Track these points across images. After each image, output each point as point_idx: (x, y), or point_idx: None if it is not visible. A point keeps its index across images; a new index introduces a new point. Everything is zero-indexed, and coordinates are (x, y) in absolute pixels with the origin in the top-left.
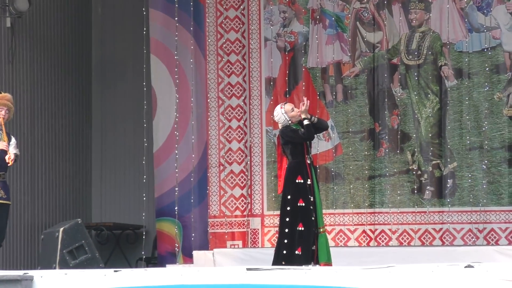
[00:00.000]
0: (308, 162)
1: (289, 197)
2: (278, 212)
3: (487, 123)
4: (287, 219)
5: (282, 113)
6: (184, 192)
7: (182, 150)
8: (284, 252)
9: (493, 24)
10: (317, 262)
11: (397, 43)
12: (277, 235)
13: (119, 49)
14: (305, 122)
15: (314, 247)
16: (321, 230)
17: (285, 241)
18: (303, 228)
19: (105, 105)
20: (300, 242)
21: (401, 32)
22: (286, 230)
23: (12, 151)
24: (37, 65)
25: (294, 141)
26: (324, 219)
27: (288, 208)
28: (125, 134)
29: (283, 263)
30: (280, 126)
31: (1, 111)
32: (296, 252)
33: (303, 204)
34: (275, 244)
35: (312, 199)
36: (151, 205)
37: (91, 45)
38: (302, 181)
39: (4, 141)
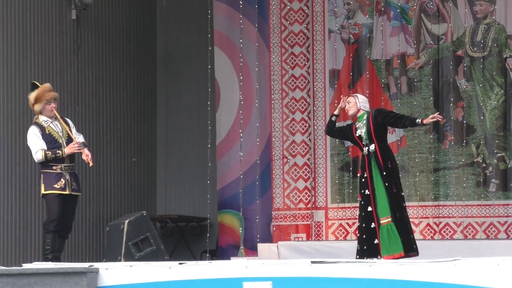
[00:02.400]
0: (365, 154)
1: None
2: (342, 205)
3: None
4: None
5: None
6: (248, 184)
7: (245, 142)
8: (365, 248)
9: None
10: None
11: (461, 35)
12: (341, 228)
13: (183, 41)
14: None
15: (376, 241)
16: (382, 222)
17: (364, 236)
18: (359, 223)
19: (169, 97)
20: (358, 237)
21: (466, 24)
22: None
23: (80, 140)
24: (102, 57)
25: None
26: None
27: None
28: (189, 126)
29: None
30: (364, 108)
31: (54, 103)
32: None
33: (360, 199)
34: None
35: (367, 193)
36: (215, 198)
37: (156, 37)
38: (360, 174)
39: (67, 131)
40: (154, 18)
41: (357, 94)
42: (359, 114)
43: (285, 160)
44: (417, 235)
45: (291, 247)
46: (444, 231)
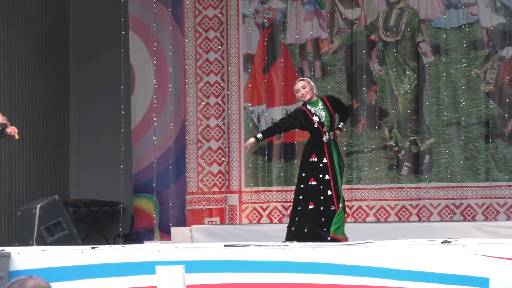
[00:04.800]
0: (325, 140)
1: (303, 174)
2: (255, 189)
3: (464, 99)
4: (300, 197)
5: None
6: (162, 168)
7: (159, 126)
8: (292, 229)
9: (471, 1)
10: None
11: (375, 19)
12: (255, 211)
13: (97, 25)
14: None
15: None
16: (340, 205)
17: (296, 218)
18: (313, 206)
19: (83, 81)
20: (308, 220)
21: (379, 8)
22: (299, 208)
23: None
24: (13, 42)
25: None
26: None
27: (302, 186)
28: (103, 111)
29: (293, 240)
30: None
31: None
32: (305, 230)
33: (314, 183)
34: (289, 221)
35: (328, 177)
36: (129, 182)
37: (69, 21)
38: (316, 159)
39: None
40: (67, 1)
41: (307, 78)
42: (313, 99)
43: (199, 144)
44: None
45: (205, 230)
46: (357, 214)
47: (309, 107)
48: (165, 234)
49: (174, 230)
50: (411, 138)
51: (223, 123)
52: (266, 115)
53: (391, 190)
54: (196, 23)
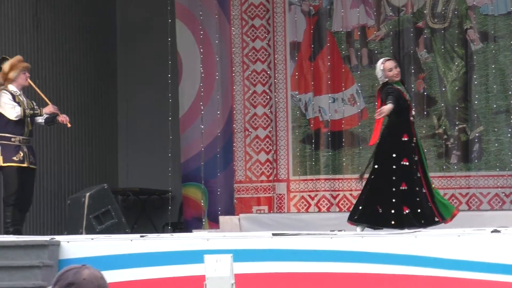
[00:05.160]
0: (412, 120)
1: (394, 155)
2: (303, 177)
3: None
4: (394, 178)
5: (380, 69)
6: (210, 157)
7: (207, 115)
8: (393, 211)
9: None
10: (442, 219)
11: (422, 6)
12: (303, 200)
13: (144, 14)
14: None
15: (430, 205)
16: (434, 186)
17: (393, 200)
18: (406, 188)
19: (130, 69)
20: (405, 202)
21: None
22: (394, 189)
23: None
24: (60, 30)
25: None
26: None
27: (394, 167)
28: (150, 99)
29: (393, 222)
30: (380, 80)
31: (28, 73)
32: (405, 212)
33: (407, 163)
34: (381, 203)
35: (416, 158)
36: (177, 170)
37: (115, 10)
38: (407, 139)
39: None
40: None
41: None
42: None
43: (246, 132)
44: None
45: (253, 219)
46: None
47: (398, 86)
48: (214, 223)
49: (222, 219)
50: (460, 126)
51: (270, 111)
52: (313, 103)
53: (440, 178)
54: (242, 11)
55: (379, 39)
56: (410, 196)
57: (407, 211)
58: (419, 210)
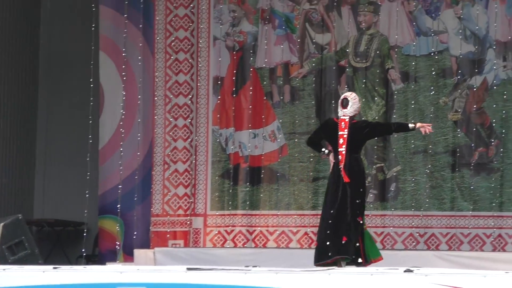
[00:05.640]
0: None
1: (361, 190)
2: (221, 212)
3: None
4: (358, 212)
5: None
6: (128, 190)
7: (127, 147)
8: (357, 244)
9: (441, 28)
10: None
11: (345, 45)
12: (219, 235)
13: (67, 45)
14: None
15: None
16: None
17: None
18: (362, 222)
19: (51, 99)
20: (358, 235)
21: (349, 34)
22: (361, 222)
23: None
24: None
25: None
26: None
27: (359, 201)
28: (71, 130)
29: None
30: (351, 113)
31: None
32: (357, 244)
33: (366, 200)
34: (346, 234)
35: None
36: (94, 202)
37: (39, 40)
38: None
39: None
40: (38, 21)
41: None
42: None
43: (166, 166)
44: (294, 244)
45: (168, 253)
46: None
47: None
48: (129, 256)
49: (137, 252)
50: (378, 165)
51: (191, 145)
52: (233, 138)
53: None
54: (167, 45)
55: (302, 76)
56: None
57: (358, 244)
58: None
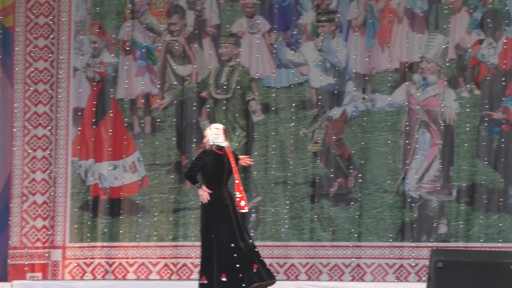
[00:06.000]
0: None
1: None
2: (80, 244)
3: (292, 158)
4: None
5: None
6: None
7: None
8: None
9: (301, 60)
10: None
11: (206, 76)
12: (78, 267)
13: None
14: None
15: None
16: None
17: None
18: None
19: None
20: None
21: (210, 65)
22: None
23: None
24: None
25: None
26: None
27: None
28: None
29: None
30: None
31: None
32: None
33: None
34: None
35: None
36: None
37: None
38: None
39: None
40: None
41: (211, 126)
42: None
43: (24, 198)
44: (154, 275)
45: (26, 286)
46: (182, 272)
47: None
48: None
49: None
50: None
51: (50, 177)
52: (93, 170)
53: None
54: (26, 75)
55: (163, 107)
56: None
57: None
58: None
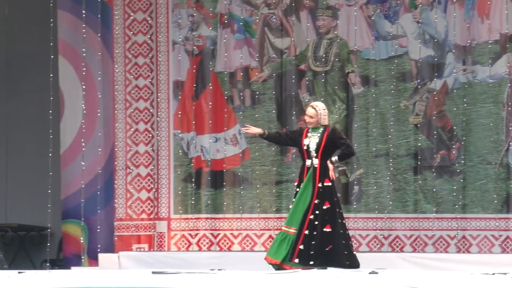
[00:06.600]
0: (307, 165)
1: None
2: (184, 216)
3: (393, 130)
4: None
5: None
6: (91, 194)
7: (89, 152)
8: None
9: (400, 33)
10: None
11: (304, 49)
12: (184, 239)
13: (26, 49)
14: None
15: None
16: (284, 228)
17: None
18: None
19: (11, 104)
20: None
21: (308, 38)
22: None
23: None
24: None
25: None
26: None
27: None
28: (31, 134)
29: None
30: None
31: None
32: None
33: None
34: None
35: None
36: (57, 207)
37: None
38: (297, 183)
39: None
40: None
41: (317, 104)
42: (317, 126)
43: (128, 170)
44: (258, 247)
45: (133, 257)
46: None
47: (309, 131)
48: (93, 260)
49: (101, 256)
50: (340, 168)
51: (152, 150)
52: (195, 142)
53: None
54: (125, 49)
55: (262, 80)
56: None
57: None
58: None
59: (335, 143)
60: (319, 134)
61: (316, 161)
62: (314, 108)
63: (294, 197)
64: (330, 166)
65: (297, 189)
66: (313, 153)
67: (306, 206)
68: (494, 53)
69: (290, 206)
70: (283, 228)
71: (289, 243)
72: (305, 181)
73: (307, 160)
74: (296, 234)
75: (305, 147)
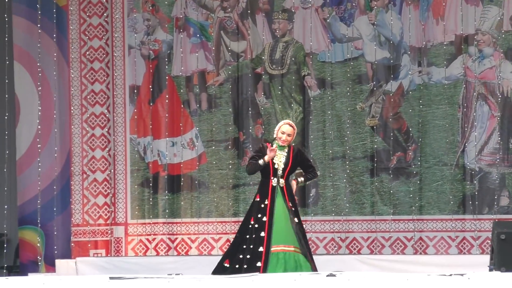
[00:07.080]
0: (273, 184)
1: (247, 213)
2: (142, 221)
3: (350, 133)
4: (237, 234)
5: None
6: (47, 200)
7: (45, 158)
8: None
9: (356, 35)
10: None
11: (261, 52)
12: (141, 244)
13: None
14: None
15: (259, 264)
16: (273, 249)
17: (226, 250)
18: (244, 245)
19: None
20: (229, 256)
21: (264, 41)
22: (230, 241)
23: None
24: None
25: None
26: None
27: (241, 223)
28: None
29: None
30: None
31: None
32: (224, 263)
33: (252, 222)
34: None
35: (265, 219)
36: (14, 213)
37: None
38: (258, 199)
39: None
40: None
41: (292, 123)
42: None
43: (84, 175)
44: (216, 251)
45: (90, 263)
46: None
47: (278, 148)
48: (51, 266)
49: (58, 262)
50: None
51: (109, 155)
52: (152, 147)
53: None
54: (81, 54)
55: (219, 84)
56: (238, 252)
57: (226, 264)
58: (245, 266)
59: (301, 164)
60: (285, 154)
61: (282, 181)
62: (292, 127)
63: (259, 212)
64: (294, 186)
65: (262, 205)
66: (280, 172)
67: (293, 226)
68: (449, 55)
69: (252, 222)
70: (276, 249)
71: (306, 262)
72: (276, 201)
73: (272, 178)
74: (301, 252)
75: (275, 166)
